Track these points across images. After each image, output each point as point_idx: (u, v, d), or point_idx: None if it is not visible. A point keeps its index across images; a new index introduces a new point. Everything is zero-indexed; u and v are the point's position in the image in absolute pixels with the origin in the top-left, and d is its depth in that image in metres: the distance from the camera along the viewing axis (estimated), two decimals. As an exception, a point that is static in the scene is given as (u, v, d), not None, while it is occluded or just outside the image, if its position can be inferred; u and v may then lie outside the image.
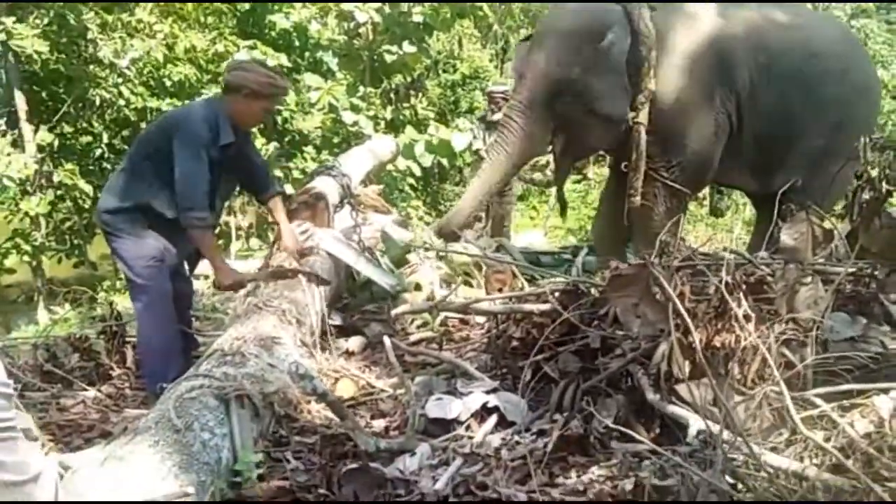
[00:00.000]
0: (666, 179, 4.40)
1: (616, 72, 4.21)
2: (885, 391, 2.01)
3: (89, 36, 9.12)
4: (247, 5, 9.66)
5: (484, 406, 2.54)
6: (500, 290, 4.13)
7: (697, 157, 4.44)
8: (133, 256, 3.12)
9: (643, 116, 4.26)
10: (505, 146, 4.32)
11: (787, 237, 2.63)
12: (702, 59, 4.31)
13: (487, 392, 2.64)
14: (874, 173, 2.55)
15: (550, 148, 4.58)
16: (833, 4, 14.82)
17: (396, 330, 3.77)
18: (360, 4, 9.73)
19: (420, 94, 12.24)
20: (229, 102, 3.22)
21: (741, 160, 4.55)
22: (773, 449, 1.94)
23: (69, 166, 9.25)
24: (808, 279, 2.42)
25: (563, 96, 4.22)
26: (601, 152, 5.42)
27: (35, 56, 8.32)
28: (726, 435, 1.90)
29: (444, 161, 9.67)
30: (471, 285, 4.29)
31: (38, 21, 8.62)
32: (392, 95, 11.08)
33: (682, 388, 2.16)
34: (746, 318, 2.18)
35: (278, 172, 9.36)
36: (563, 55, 4.22)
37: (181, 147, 3.06)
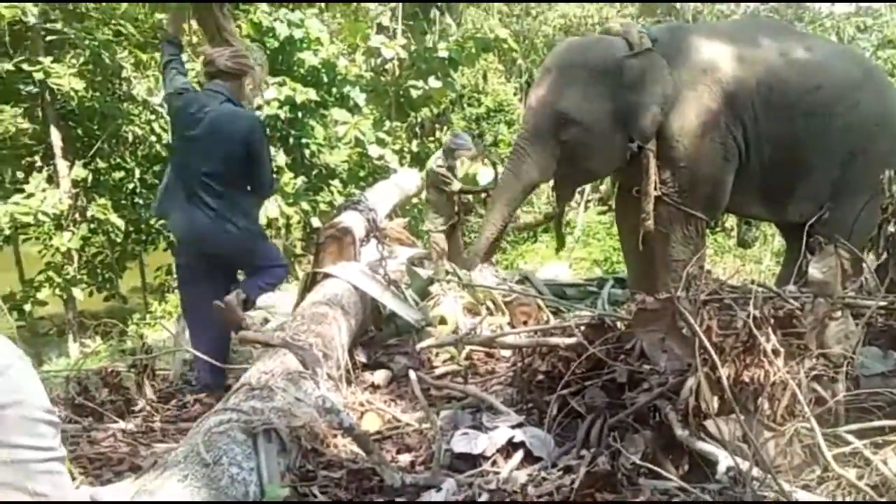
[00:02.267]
0: (680, 204, 4.46)
1: (622, 105, 4.35)
2: (919, 428, 1.98)
3: (123, 74, 9.38)
4: (276, 44, 9.84)
5: (510, 441, 2.53)
6: (525, 324, 4.13)
7: (709, 182, 4.51)
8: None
9: (651, 143, 4.39)
10: (514, 173, 4.58)
11: (815, 271, 2.61)
12: (706, 87, 4.42)
13: (513, 427, 2.63)
14: (902, 206, 2.53)
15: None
16: (860, 36, 14.78)
17: (422, 363, 3.77)
18: (386, 42, 9.89)
19: (445, 128, 12.38)
20: (237, 87, 3.54)
21: (751, 189, 4.62)
22: (805, 487, 1.91)
23: (102, 201, 9.45)
24: (838, 313, 2.40)
25: (567, 126, 4.40)
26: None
27: (72, 94, 8.56)
28: (756, 472, 1.87)
29: (470, 196, 9.72)
30: (493, 314, 4.29)
31: (74, 60, 8.88)
32: (418, 129, 11.22)
33: (710, 424, 2.14)
34: (775, 352, 2.16)
35: (305, 206, 9.47)
36: (566, 86, 4.45)
37: (259, 148, 3.47)
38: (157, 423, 3.16)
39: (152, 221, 10.90)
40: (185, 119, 3.49)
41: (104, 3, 9.13)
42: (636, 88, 4.32)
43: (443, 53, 10.18)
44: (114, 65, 9.20)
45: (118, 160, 10.60)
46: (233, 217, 3.45)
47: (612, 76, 4.34)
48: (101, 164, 10.35)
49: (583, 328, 2.84)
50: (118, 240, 10.37)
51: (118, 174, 10.60)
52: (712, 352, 2.08)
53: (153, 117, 9.71)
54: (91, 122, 9.95)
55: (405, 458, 2.68)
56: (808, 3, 20.25)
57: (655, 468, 2.09)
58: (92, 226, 9.61)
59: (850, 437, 2.02)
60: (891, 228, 2.60)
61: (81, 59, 8.96)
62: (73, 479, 2.40)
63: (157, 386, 3.56)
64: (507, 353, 3.71)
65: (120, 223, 9.44)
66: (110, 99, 9.65)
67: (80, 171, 9.31)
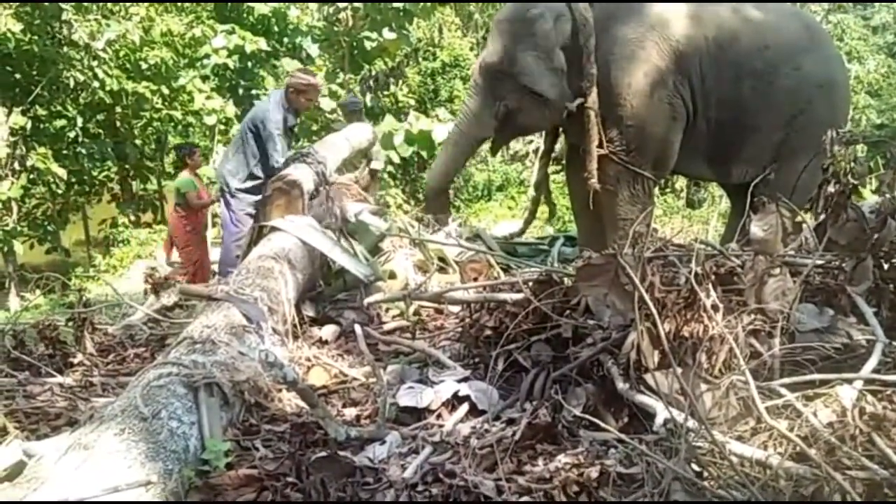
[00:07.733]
0: (627, 163, 4.49)
1: (548, 57, 4.40)
2: (849, 381, 2.04)
3: (64, 17, 8.94)
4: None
5: (455, 395, 2.55)
6: (475, 280, 4.13)
7: (656, 141, 4.55)
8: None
9: (592, 101, 4.41)
10: (459, 126, 4.77)
11: (756, 229, 2.65)
12: (654, 45, 4.42)
13: (459, 381, 2.65)
14: (841, 166, 2.58)
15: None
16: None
17: (371, 318, 3.76)
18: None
19: (400, 82, 12.18)
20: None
21: (698, 149, 4.66)
22: (738, 437, 1.97)
23: (42, 150, 9.09)
24: (777, 271, 2.45)
25: (501, 80, 4.51)
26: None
27: (9, 35, 8.15)
28: (692, 423, 1.92)
29: (424, 152, 9.67)
30: (446, 272, 4.29)
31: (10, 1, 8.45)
32: (371, 83, 11.00)
33: (650, 378, 2.18)
34: (715, 308, 2.20)
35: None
36: (498, 42, 4.55)
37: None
38: (96, 377, 3.09)
39: (94, 172, 10.55)
40: None
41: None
42: (565, 47, 4.37)
43: (398, 4, 9.97)
44: (53, 7, 8.76)
45: (58, 107, 10.18)
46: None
47: (544, 34, 4.36)
48: (41, 112, 9.93)
49: (530, 284, 2.85)
50: (60, 191, 10.02)
51: (59, 122, 10.18)
52: (653, 307, 2.10)
53: (95, 63, 9.30)
54: (30, 66, 9.48)
55: (351, 412, 2.69)
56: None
57: (595, 420, 2.12)
58: (32, 176, 9.27)
59: (783, 390, 2.07)
60: (830, 189, 2.65)
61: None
62: (7, 433, 2.33)
63: (98, 339, 3.47)
64: (456, 309, 3.72)
65: (62, 173, 9.10)
66: (50, 43, 9.21)
67: (18, 119, 8.93)
